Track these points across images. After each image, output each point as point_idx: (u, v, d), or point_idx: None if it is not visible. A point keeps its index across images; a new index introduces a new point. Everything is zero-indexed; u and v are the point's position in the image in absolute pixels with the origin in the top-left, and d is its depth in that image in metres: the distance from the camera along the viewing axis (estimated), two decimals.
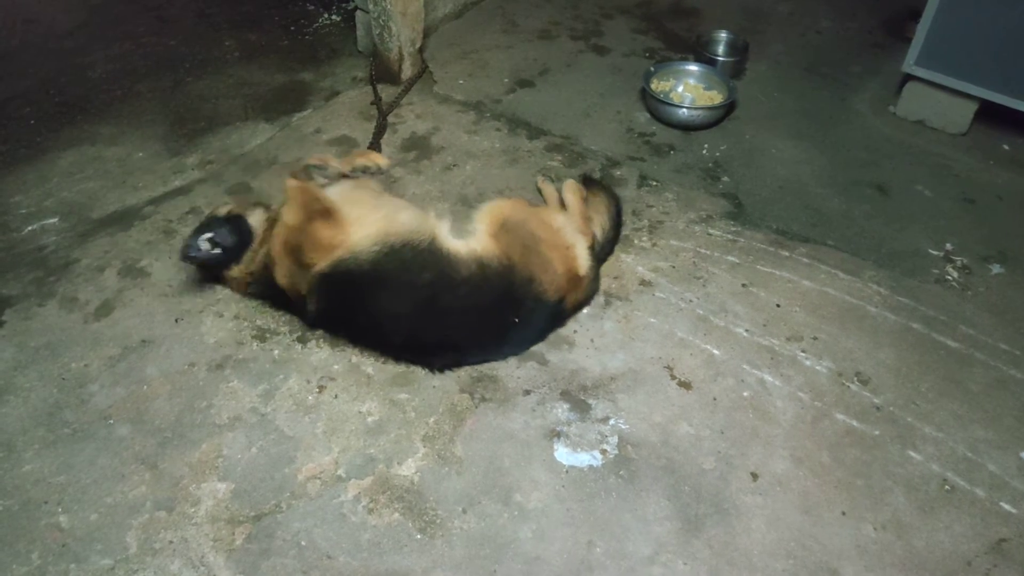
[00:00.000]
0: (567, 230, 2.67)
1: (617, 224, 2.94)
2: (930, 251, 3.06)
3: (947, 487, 2.29)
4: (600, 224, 2.88)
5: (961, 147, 3.61)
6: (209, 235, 2.53)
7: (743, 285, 2.88)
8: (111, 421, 2.39)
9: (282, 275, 2.53)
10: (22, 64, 3.99)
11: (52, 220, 3.08)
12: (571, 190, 2.95)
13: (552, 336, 2.66)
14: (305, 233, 2.44)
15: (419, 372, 2.55)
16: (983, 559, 2.12)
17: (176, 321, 2.70)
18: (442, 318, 2.49)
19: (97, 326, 2.67)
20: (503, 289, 2.50)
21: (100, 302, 2.75)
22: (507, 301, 2.51)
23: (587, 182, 3.08)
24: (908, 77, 3.67)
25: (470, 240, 2.58)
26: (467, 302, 2.48)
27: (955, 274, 2.96)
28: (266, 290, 2.63)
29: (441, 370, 2.54)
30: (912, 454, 2.36)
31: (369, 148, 3.41)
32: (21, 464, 2.27)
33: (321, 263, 2.43)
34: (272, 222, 2.61)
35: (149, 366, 2.55)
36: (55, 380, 2.50)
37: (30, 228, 3.04)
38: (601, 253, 2.84)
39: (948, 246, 3.08)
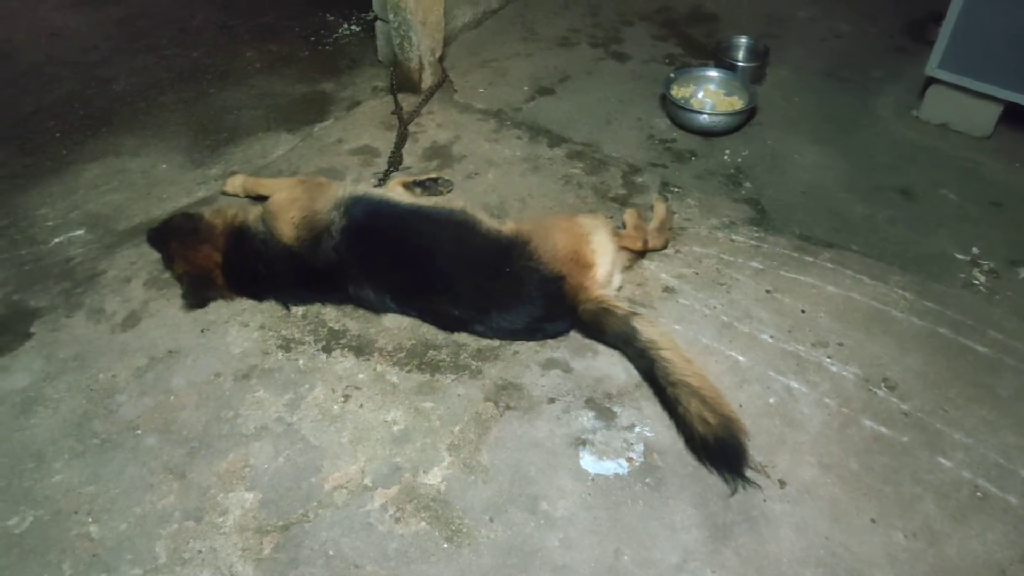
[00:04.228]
0: (590, 225, 2.73)
1: None
2: (956, 255, 3.03)
3: (979, 494, 2.26)
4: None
5: (986, 150, 3.57)
6: None
7: (767, 291, 2.86)
8: (139, 431, 2.41)
9: (288, 225, 2.72)
10: (47, 78, 4.03)
11: (78, 232, 3.11)
12: (629, 214, 3.05)
13: (576, 343, 2.66)
14: None
15: (444, 380, 2.55)
16: (1018, 567, 2.09)
17: (202, 331, 2.72)
18: (454, 261, 2.66)
19: (124, 337, 2.70)
20: (504, 245, 2.65)
21: (127, 313, 2.78)
22: (504, 256, 2.63)
23: None
24: (931, 80, 3.64)
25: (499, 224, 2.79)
26: (476, 251, 2.67)
27: (982, 278, 2.93)
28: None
29: (447, 328, 2.71)
30: (942, 460, 2.34)
31: (391, 157, 3.43)
32: (51, 474, 2.29)
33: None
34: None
35: (176, 376, 2.57)
36: (83, 391, 2.52)
37: (57, 240, 3.07)
38: None
39: (975, 250, 3.05)
